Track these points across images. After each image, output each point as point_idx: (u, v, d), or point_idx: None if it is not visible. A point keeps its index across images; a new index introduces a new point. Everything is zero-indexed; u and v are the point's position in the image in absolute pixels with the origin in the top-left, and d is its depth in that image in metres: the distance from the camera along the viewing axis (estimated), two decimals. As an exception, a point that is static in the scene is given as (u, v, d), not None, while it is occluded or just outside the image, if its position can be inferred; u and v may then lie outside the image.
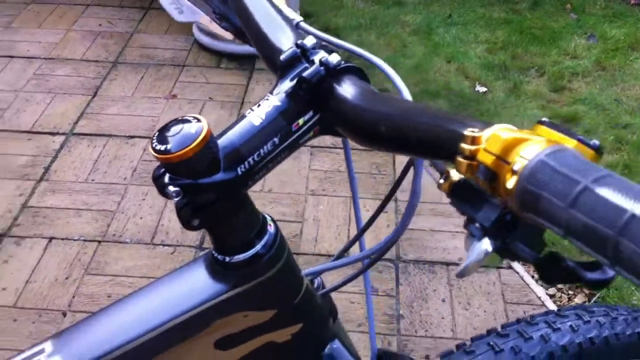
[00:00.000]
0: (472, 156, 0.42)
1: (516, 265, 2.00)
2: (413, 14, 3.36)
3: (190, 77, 2.72)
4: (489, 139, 0.42)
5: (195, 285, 0.62)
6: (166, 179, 0.55)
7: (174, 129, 0.54)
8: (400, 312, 1.84)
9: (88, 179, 2.23)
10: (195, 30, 2.88)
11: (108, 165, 2.29)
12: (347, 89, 0.56)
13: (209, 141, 0.54)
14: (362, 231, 0.74)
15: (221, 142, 0.56)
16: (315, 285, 0.77)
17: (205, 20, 0.62)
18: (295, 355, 0.69)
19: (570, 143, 0.42)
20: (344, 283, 0.73)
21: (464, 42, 3.17)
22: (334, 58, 0.57)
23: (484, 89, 2.86)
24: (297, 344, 0.67)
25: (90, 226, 2.04)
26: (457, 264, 1.99)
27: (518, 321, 0.95)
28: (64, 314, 1.78)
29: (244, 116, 0.57)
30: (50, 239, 1.99)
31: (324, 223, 2.09)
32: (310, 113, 0.58)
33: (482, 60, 3.04)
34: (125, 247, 1.98)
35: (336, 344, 0.70)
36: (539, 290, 1.93)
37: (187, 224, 0.57)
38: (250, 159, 0.56)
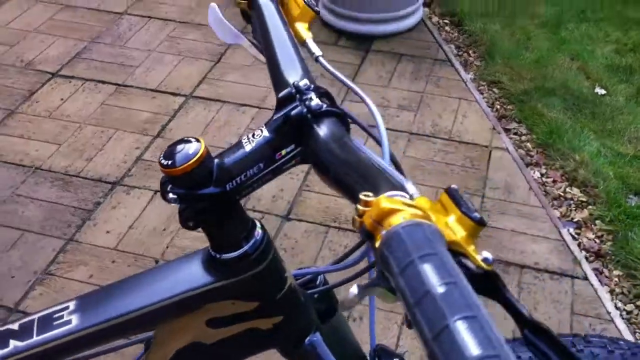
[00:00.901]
0: (360, 215, 0.50)
1: (592, 277, 1.98)
2: (545, 5, 3.28)
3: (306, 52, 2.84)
4: (374, 203, 0.49)
5: (192, 274, 0.74)
6: (168, 187, 0.66)
7: (179, 148, 0.65)
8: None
9: (198, 140, 2.41)
10: (320, 6, 2.99)
11: (217, 130, 2.47)
12: (321, 131, 0.64)
13: (205, 159, 0.64)
14: (361, 242, 0.82)
15: (216, 160, 0.66)
16: (318, 282, 0.87)
17: (246, 44, 0.71)
18: (276, 342, 0.79)
19: (454, 213, 0.49)
20: (339, 284, 0.82)
21: (593, 40, 3.07)
22: (317, 102, 0.66)
23: (603, 92, 2.77)
24: (278, 332, 0.77)
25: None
26: (533, 268, 2.00)
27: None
28: (156, 262, 1.98)
29: (240, 142, 0.67)
30: (156, 192, 2.20)
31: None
32: (292, 146, 0.67)
33: (608, 60, 2.94)
34: (220, 208, 2.15)
35: (316, 336, 0.79)
36: (610, 305, 1.91)
37: (184, 223, 0.68)
38: (238, 178, 0.66)
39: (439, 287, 0.42)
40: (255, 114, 2.55)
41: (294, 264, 1.97)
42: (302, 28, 0.81)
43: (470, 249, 0.50)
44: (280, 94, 0.67)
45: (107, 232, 2.08)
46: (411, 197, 0.51)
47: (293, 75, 0.72)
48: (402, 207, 0.48)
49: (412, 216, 0.47)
